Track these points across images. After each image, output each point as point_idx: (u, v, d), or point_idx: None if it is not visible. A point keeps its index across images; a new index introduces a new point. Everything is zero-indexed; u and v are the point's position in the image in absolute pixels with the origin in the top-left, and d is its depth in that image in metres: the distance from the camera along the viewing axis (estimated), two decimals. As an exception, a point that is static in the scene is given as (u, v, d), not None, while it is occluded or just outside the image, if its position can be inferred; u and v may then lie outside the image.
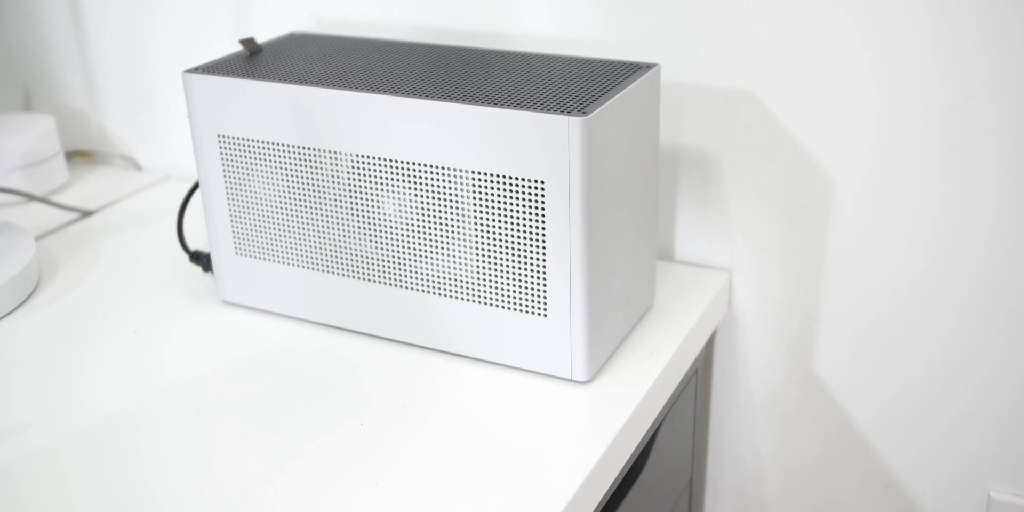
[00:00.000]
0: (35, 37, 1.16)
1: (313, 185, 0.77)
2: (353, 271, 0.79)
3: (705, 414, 0.98)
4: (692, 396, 0.89)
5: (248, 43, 0.83)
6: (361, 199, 0.76)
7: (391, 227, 0.76)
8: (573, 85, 0.72)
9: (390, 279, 0.78)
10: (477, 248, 0.73)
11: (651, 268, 0.82)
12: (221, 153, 0.80)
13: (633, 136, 0.73)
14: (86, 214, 1.05)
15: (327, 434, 0.70)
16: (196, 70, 0.80)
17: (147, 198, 1.09)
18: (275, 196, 0.80)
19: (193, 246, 0.95)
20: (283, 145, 0.77)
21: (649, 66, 0.75)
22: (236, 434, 0.71)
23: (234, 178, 0.81)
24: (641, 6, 0.84)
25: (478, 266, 0.74)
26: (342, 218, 0.77)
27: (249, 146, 0.79)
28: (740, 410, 0.96)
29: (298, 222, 0.80)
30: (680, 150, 0.88)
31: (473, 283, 0.74)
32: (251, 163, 0.79)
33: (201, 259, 0.91)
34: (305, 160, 0.77)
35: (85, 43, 1.13)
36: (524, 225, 0.70)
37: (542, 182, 0.69)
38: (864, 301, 0.86)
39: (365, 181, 0.75)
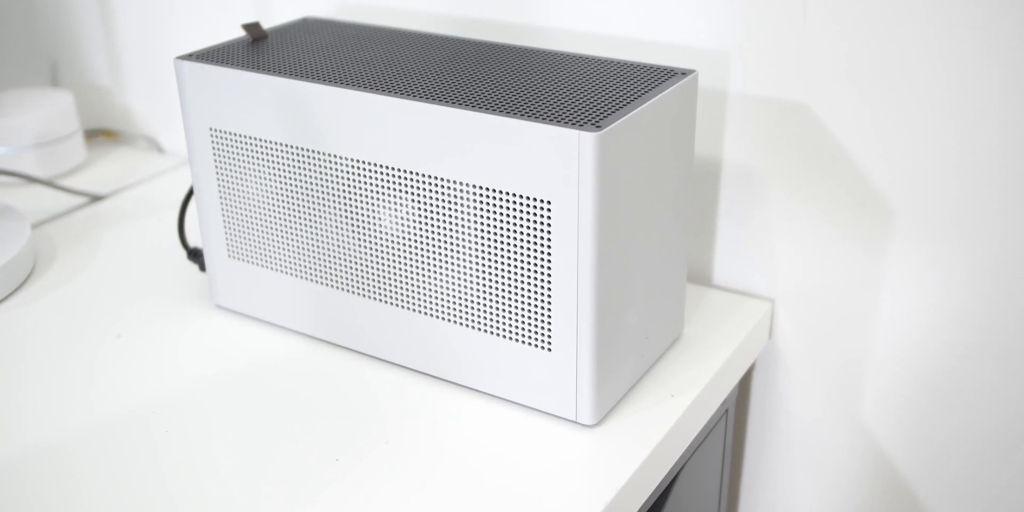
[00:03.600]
0: (61, 11, 1.10)
1: (308, 189, 0.70)
2: (347, 285, 0.72)
3: (738, 458, 0.89)
4: (721, 438, 0.81)
5: (251, 28, 0.76)
6: (357, 208, 0.68)
7: (387, 240, 0.68)
8: (595, 92, 0.63)
9: (385, 296, 0.70)
10: (477, 270, 0.65)
11: (679, 297, 0.73)
12: (213, 148, 0.74)
13: (660, 151, 0.65)
14: (96, 199, 1.00)
15: (296, 470, 0.63)
16: (190, 57, 0.73)
17: (163, 184, 1.03)
18: (268, 198, 0.73)
19: (195, 242, 0.89)
20: (277, 143, 0.70)
21: (685, 72, 0.66)
22: (197, 463, 0.64)
23: (227, 175, 0.74)
24: (687, 6, 0.75)
25: (477, 289, 0.66)
26: (337, 227, 0.70)
27: (242, 142, 0.72)
28: (776, 456, 0.86)
29: (291, 227, 0.73)
30: (722, 165, 0.79)
31: (472, 308, 0.67)
32: (244, 160, 0.73)
33: (199, 257, 0.84)
34: (300, 161, 0.70)
35: (110, 19, 1.07)
36: (528, 248, 0.62)
37: (548, 202, 0.60)
38: (921, 345, 0.77)
39: (361, 189, 0.68)
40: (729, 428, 0.82)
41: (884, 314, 0.77)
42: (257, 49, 0.74)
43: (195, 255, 0.85)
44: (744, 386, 0.85)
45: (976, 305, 0.73)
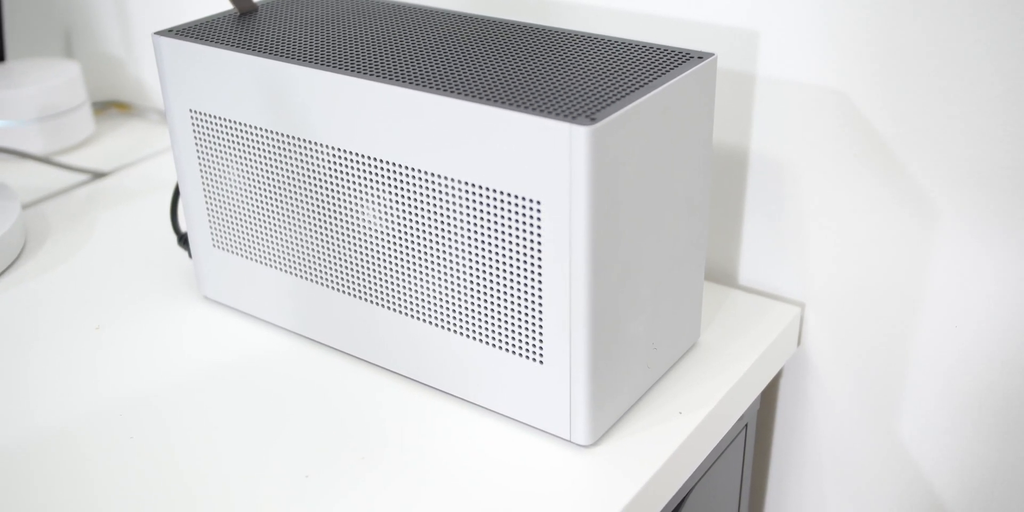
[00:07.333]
0: (72, -25, 1.06)
1: (290, 177, 0.65)
2: (332, 281, 0.66)
3: (760, 478, 0.82)
4: (738, 457, 0.74)
5: (239, 0, 0.70)
6: (340, 200, 0.63)
7: (372, 236, 0.62)
8: (598, 78, 0.56)
9: (369, 295, 0.65)
10: (463, 272, 0.59)
11: (695, 302, 0.67)
12: (194, 130, 0.68)
13: (670, 144, 0.58)
14: (97, 176, 0.95)
15: (262, 486, 0.58)
16: (168, 32, 0.67)
17: (170, 160, 0.98)
18: (251, 186, 0.67)
19: (190, 226, 0.84)
20: (258, 128, 0.64)
21: (702, 56, 0.59)
22: (154, 475, 0.59)
23: (208, 160, 0.69)
24: (714, -25, 0.67)
25: (464, 293, 0.60)
26: (321, 219, 0.64)
27: (222, 125, 0.66)
28: (803, 477, 0.79)
29: (275, 218, 0.67)
30: (750, 156, 0.71)
31: (459, 313, 0.61)
32: (225, 145, 0.67)
33: (188, 244, 0.79)
34: (282, 148, 0.64)
35: (119, -16, 1.02)
36: (517, 251, 0.56)
37: (538, 202, 0.54)
38: (968, 358, 0.69)
39: (344, 181, 0.62)
40: (749, 446, 0.75)
41: (928, 322, 0.70)
42: (244, 24, 0.68)
43: (186, 241, 0.80)
44: (769, 398, 0.78)
45: (1032, 315, 0.66)
